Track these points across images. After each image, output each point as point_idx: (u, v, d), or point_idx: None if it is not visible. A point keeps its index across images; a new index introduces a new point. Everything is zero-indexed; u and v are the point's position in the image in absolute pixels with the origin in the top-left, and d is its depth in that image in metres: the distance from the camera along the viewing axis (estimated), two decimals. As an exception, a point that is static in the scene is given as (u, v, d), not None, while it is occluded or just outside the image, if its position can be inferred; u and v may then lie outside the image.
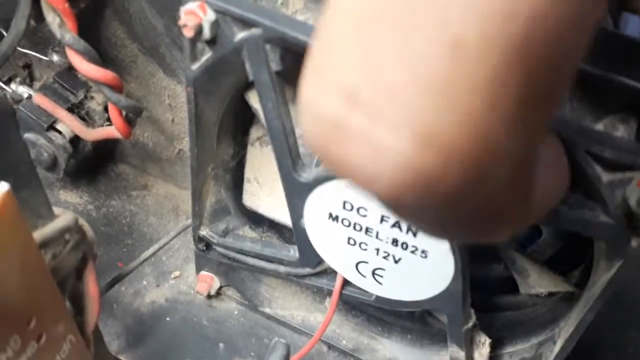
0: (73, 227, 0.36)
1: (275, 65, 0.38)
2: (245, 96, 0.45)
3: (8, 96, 0.58)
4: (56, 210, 0.37)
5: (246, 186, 0.52)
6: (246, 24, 0.36)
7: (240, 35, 0.37)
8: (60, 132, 0.57)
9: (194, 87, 0.42)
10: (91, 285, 0.39)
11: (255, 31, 0.36)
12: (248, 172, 0.51)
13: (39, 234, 0.33)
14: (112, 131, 0.52)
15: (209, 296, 0.59)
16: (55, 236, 0.34)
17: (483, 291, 0.50)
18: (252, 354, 0.57)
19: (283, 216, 0.51)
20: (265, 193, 0.52)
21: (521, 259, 0.49)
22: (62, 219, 0.35)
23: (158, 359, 0.55)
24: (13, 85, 0.58)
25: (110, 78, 0.46)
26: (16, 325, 0.31)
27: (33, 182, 0.34)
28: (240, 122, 0.50)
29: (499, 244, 0.48)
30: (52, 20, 0.43)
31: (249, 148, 0.50)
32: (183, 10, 0.36)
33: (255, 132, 0.50)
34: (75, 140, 0.59)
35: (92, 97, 0.59)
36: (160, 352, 0.56)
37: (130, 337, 0.56)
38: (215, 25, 0.37)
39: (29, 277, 0.31)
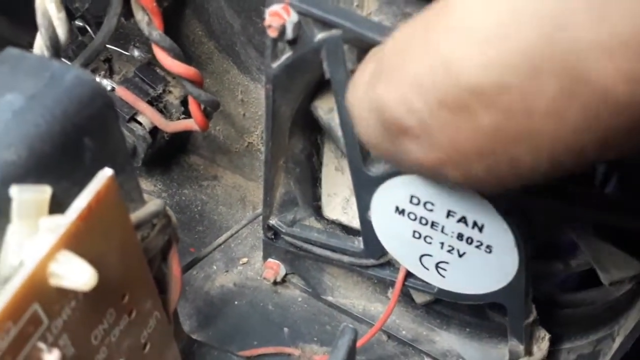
0: (162, 212, 0.39)
1: (351, 65, 0.40)
2: (312, 107, 0.48)
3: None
4: (144, 197, 0.40)
5: (324, 200, 0.55)
6: (326, 25, 0.38)
7: (320, 35, 0.39)
8: (140, 124, 0.61)
9: (273, 84, 0.44)
10: (174, 267, 0.42)
11: (335, 32, 0.38)
12: (325, 188, 0.55)
13: (133, 217, 0.36)
14: (190, 124, 0.55)
15: (275, 283, 0.62)
16: (146, 219, 0.37)
17: (544, 287, 0.51)
18: (315, 339, 0.59)
19: (348, 207, 0.53)
20: (340, 206, 0.54)
21: (600, 243, 0.49)
22: (153, 203, 0.38)
23: (226, 340, 0.58)
24: (97, 78, 0.62)
25: (192, 74, 0.49)
26: (112, 299, 0.34)
27: (127, 168, 0.37)
28: (310, 118, 0.53)
29: (577, 231, 0.49)
30: (141, 18, 0.46)
31: (324, 169, 0.54)
32: (268, 11, 0.38)
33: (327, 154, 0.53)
34: (153, 131, 0.62)
35: (169, 91, 0.62)
36: (228, 333, 0.59)
37: (201, 318, 0.60)
38: (297, 26, 0.39)
39: (125, 256, 0.34)
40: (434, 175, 0.32)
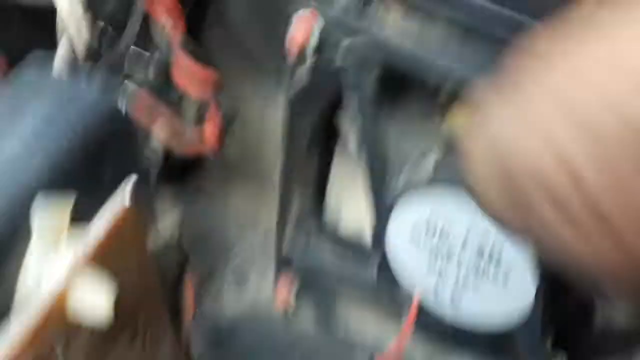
0: (177, 237, 0.38)
1: (369, 89, 0.40)
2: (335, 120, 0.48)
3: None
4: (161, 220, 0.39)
5: (329, 201, 0.54)
6: (351, 31, 0.38)
7: (346, 42, 0.39)
8: (152, 145, 0.60)
9: (290, 107, 0.44)
10: (188, 291, 0.42)
11: (360, 39, 0.38)
12: (331, 190, 0.53)
13: (150, 241, 0.35)
14: (202, 148, 0.54)
15: (286, 310, 0.61)
16: (163, 244, 0.37)
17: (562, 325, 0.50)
18: (326, 369, 0.58)
19: (361, 233, 0.52)
20: (345, 210, 0.53)
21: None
22: (169, 227, 0.38)
23: (235, 367, 0.57)
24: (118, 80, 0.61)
25: (214, 79, 0.48)
26: (128, 321, 0.33)
27: (144, 187, 0.37)
28: (324, 143, 0.53)
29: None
30: (164, 22, 0.46)
31: (333, 170, 0.52)
32: (295, 17, 0.39)
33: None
34: (165, 150, 0.61)
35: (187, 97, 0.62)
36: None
37: (210, 343, 0.59)
38: (323, 32, 0.39)
39: (142, 279, 0.33)
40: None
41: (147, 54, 0.61)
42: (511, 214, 0.23)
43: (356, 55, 0.39)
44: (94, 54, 0.56)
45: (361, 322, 0.59)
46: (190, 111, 0.62)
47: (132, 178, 0.34)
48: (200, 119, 0.62)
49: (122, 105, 0.34)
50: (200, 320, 0.60)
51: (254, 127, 0.63)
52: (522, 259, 0.42)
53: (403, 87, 0.48)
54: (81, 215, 0.30)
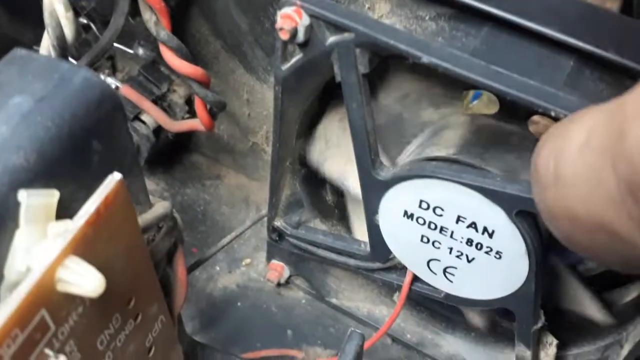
0: (169, 215, 0.38)
1: (363, 68, 0.39)
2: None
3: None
4: (151, 198, 0.39)
5: (314, 143, 0.53)
6: (339, 28, 0.38)
7: (332, 39, 0.39)
8: (144, 123, 0.60)
9: (282, 86, 0.43)
10: (180, 270, 0.41)
11: (347, 35, 0.38)
12: (319, 132, 0.53)
13: (140, 220, 0.35)
14: (195, 124, 0.54)
15: (279, 284, 0.61)
16: (154, 222, 0.37)
17: (552, 294, 0.51)
18: (319, 341, 0.59)
19: (344, 177, 0.52)
20: (331, 153, 0.53)
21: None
22: (160, 205, 0.38)
23: (229, 342, 0.58)
24: (101, 77, 0.61)
25: (199, 74, 0.48)
26: (119, 304, 0.33)
27: (134, 171, 0.36)
28: (317, 121, 0.52)
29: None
30: (148, 18, 0.46)
31: (326, 115, 0.52)
32: (279, 14, 0.38)
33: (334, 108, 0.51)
34: (157, 130, 0.61)
35: (174, 90, 0.62)
36: (231, 335, 0.58)
37: (204, 320, 0.59)
38: (309, 29, 0.38)
39: (132, 260, 0.33)
40: None
41: (131, 50, 0.61)
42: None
43: (342, 53, 0.39)
44: (77, 50, 0.55)
45: (353, 297, 0.60)
46: (178, 105, 0.62)
47: (121, 162, 0.34)
48: (188, 112, 0.62)
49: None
50: (194, 297, 0.60)
51: (245, 105, 0.63)
52: (516, 233, 0.42)
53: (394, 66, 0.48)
54: (69, 202, 0.30)
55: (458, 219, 0.43)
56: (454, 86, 0.47)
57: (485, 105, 0.58)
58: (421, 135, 0.48)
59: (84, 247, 0.28)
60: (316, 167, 0.53)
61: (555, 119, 0.37)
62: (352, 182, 0.50)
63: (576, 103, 0.35)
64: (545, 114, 0.36)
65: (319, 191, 0.59)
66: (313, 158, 0.53)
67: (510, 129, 0.48)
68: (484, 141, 0.46)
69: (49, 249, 0.26)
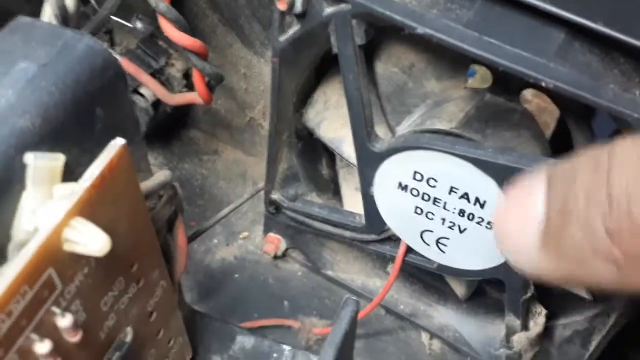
0: (169, 182, 0.39)
1: (359, 40, 0.40)
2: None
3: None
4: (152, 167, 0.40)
5: (313, 104, 0.53)
6: (336, -1, 0.39)
7: (329, 10, 0.39)
8: (143, 96, 0.61)
9: (280, 57, 0.44)
10: (180, 238, 0.42)
11: (344, 6, 0.38)
12: (318, 94, 0.53)
13: (142, 186, 0.36)
14: (194, 97, 0.55)
15: (275, 257, 0.62)
16: (155, 189, 0.38)
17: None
18: (314, 312, 0.60)
19: (339, 141, 0.52)
20: (329, 115, 0.53)
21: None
22: (161, 174, 0.38)
23: (227, 312, 0.59)
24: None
25: (198, 46, 0.49)
26: (122, 268, 0.34)
27: (136, 138, 0.37)
28: (314, 93, 0.53)
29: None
30: (147, -10, 0.46)
31: (327, 77, 0.52)
32: (277, -15, 0.39)
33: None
34: (155, 104, 0.62)
35: (172, 64, 0.62)
36: (229, 305, 0.60)
37: (202, 291, 0.60)
38: None
39: (134, 226, 0.34)
40: None
41: (129, 24, 0.61)
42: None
43: (339, 24, 0.39)
44: (75, 23, 0.56)
45: (348, 269, 0.61)
46: (176, 78, 0.63)
47: (124, 130, 0.35)
48: (186, 86, 0.63)
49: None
50: (192, 268, 0.61)
51: (242, 80, 0.64)
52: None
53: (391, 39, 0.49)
54: (73, 167, 0.30)
55: (451, 190, 0.45)
56: (459, 60, 0.48)
57: (479, 83, 0.59)
58: (423, 105, 0.49)
59: (89, 209, 0.28)
60: (312, 128, 0.54)
61: (546, 90, 0.38)
62: (346, 147, 0.51)
63: (566, 74, 0.36)
64: (535, 85, 0.37)
65: (316, 165, 0.60)
66: (310, 119, 0.54)
67: (513, 107, 0.48)
68: (485, 117, 0.47)
69: (56, 210, 0.27)
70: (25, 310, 0.26)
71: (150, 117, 0.62)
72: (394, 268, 0.53)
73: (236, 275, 0.62)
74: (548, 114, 0.62)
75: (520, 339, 0.51)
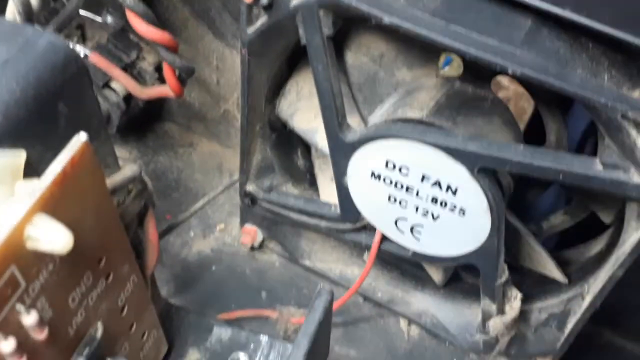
0: (138, 177, 0.39)
1: (327, 30, 0.40)
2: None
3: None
4: (120, 162, 0.40)
5: (285, 95, 0.53)
6: (301, -10, 0.38)
7: (296, 1, 0.39)
8: (114, 91, 0.60)
9: (248, 49, 0.44)
10: (151, 232, 0.42)
11: (310, -3, 0.38)
12: (290, 85, 0.53)
13: (109, 181, 0.36)
14: (165, 90, 0.55)
15: (252, 248, 0.62)
16: (122, 184, 0.37)
17: (515, 255, 0.52)
18: (292, 302, 0.60)
19: (312, 131, 0.52)
20: (301, 105, 0.53)
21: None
22: (129, 168, 0.38)
23: (204, 304, 0.59)
24: (70, 45, 0.61)
25: (166, 39, 0.48)
26: (89, 263, 0.34)
27: (102, 134, 0.37)
28: (287, 84, 0.53)
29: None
30: (114, -16, 0.46)
31: (299, 67, 0.52)
32: (242, -24, 0.38)
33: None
34: (127, 98, 0.62)
35: (143, 58, 0.62)
36: (206, 298, 0.59)
37: (179, 283, 0.60)
38: (272, -9, 0.39)
39: (101, 221, 0.34)
40: None
41: (100, 18, 0.61)
42: None
43: (306, 15, 0.39)
44: (42, 17, 0.55)
45: (326, 258, 0.61)
46: (148, 72, 0.62)
47: (88, 125, 0.35)
48: (158, 79, 0.62)
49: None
50: (168, 261, 0.61)
51: (215, 72, 0.64)
52: (478, 190, 0.43)
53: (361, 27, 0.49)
54: (36, 164, 0.30)
55: (423, 178, 0.45)
56: (429, 48, 0.47)
57: (455, 70, 0.59)
58: (394, 94, 0.49)
59: (52, 206, 0.28)
60: (285, 119, 0.53)
61: (513, 77, 0.38)
62: (320, 138, 0.51)
63: (532, 61, 0.36)
64: (503, 72, 0.37)
65: (291, 156, 0.60)
66: (283, 110, 0.53)
67: (484, 94, 0.49)
68: (456, 105, 0.47)
69: (17, 207, 0.27)
70: (-12, 309, 0.26)
71: (122, 111, 0.61)
72: (369, 256, 0.53)
73: (213, 268, 0.62)
74: (525, 100, 0.63)
75: (495, 324, 0.52)
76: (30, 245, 0.27)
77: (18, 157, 0.29)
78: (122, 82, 0.59)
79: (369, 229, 0.53)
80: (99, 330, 0.36)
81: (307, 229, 0.59)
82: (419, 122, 0.46)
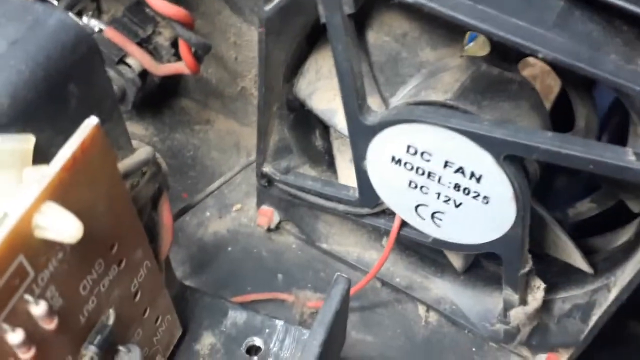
0: (151, 160, 0.38)
1: (348, 8, 0.38)
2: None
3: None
4: (134, 143, 0.39)
5: (304, 74, 0.52)
6: (323, -34, 0.37)
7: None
8: (129, 66, 0.59)
9: (266, 27, 0.42)
10: (165, 215, 0.41)
11: (331, -26, 0.37)
12: (310, 63, 0.51)
13: (121, 165, 0.35)
14: (181, 67, 0.53)
15: (269, 229, 0.61)
16: (136, 168, 0.36)
17: (540, 243, 0.51)
18: (309, 285, 0.59)
19: (331, 112, 0.51)
20: (321, 85, 0.51)
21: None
22: (142, 151, 0.37)
23: (220, 286, 0.58)
24: (85, 19, 0.60)
25: (182, 15, 0.47)
26: (101, 250, 0.33)
27: (114, 115, 0.36)
28: (306, 62, 0.51)
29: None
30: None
31: (319, 46, 0.50)
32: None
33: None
34: (143, 74, 0.60)
35: (159, 33, 0.61)
36: (222, 279, 0.59)
37: (194, 265, 0.59)
38: (292, -33, 0.37)
39: (113, 206, 0.33)
40: None
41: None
42: None
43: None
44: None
45: (343, 242, 0.60)
46: (164, 47, 0.61)
47: (100, 106, 0.33)
48: (174, 54, 0.61)
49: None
50: (184, 242, 0.60)
51: (232, 48, 0.62)
52: (503, 178, 0.42)
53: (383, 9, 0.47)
54: (46, 148, 0.29)
55: (446, 164, 0.43)
56: (454, 28, 0.46)
57: (480, 47, 0.57)
58: (417, 75, 0.47)
59: (62, 193, 0.27)
60: (303, 99, 0.52)
61: (544, 61, 0.36)
62: (340, 119, 0.49)
63: (565, 44, 0.35)
64: (533, 55, 0.35)
65: (309, 137, 0.58)
66: (301, 89, 0.52)
67: (511, 76, 0.47)
68: (482, 88, 0.45)
69: (26, 195, 0.26)
70: (-5, 300, 0.25)
71: (138, 88, 0.60)
72: (388, 242, 0.52)
73: (229, 249, 0.61)
74: (552, 78, 0.61)
75: (517, 314, 0.51)
76: (39, 234, 0.26)
77: (27, 142, 0.27)
78: (137, 58, 0.58)
79: (389, 213, 0.52)
80: (111, 317, 0.35)
81: (324, 212, 0.58)
82: (443, 105, 0.44)
